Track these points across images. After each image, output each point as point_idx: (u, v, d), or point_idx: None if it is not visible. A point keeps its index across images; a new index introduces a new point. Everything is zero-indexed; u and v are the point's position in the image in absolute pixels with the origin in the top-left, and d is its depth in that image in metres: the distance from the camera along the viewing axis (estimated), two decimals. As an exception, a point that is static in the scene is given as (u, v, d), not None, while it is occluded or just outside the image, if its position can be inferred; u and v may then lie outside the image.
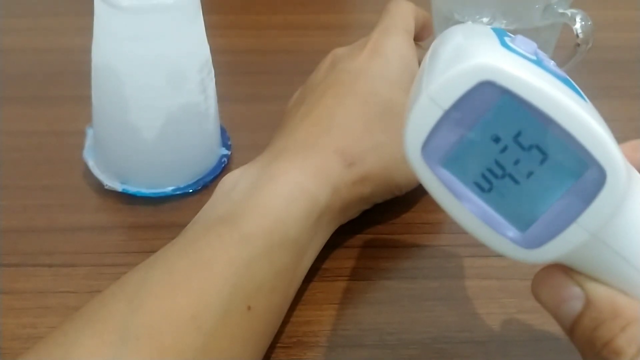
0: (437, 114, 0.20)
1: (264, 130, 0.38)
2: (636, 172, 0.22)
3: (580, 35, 0.41)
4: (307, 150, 0.33)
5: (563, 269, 0.22)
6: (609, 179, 0.20)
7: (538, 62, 0.21)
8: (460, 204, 0.21)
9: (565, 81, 0.21)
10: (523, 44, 0.21)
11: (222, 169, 0.42)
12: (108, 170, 0.40)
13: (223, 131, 0.44)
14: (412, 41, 0.39)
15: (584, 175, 0.20)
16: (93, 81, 0.39)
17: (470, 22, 0.44)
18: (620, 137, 0.48)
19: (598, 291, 0.22)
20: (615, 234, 0.21)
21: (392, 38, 0.38)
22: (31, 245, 0.37)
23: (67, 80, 0.50)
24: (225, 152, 0.43)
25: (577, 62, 0.42)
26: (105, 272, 0.35)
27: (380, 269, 0.35)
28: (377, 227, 0.37)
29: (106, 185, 0.39)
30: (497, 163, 0.21)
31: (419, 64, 0.32)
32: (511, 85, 0.19)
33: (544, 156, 0.20)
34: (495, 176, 0.21)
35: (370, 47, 0.37)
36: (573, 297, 0.22)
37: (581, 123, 0.19)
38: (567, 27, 0.42)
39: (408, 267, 0.35)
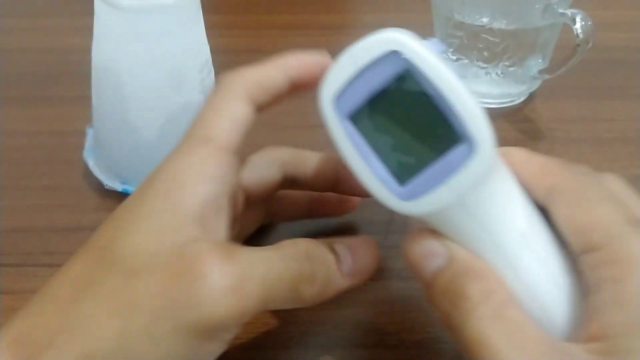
0: (351, 70, 0.24)
1: (264, 130, 0.38)
2: (499, 158, 0.26)
3: (580, 36, 0.41)
4: None
5: (432, 232, 0.25)
6: (480, 151, 0.23)
7: (443, 56, 0.26)
8: (358, 155, 0.24)
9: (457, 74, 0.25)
10: (434, 44, 0.24)
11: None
12: (108, 170, 0.40)
13: (223, 131, 0.44)
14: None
15: (459, 145, 0.23)
16: (93, 81, 0.39)
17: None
18: (620, 137, 0.48)
19: (459, 251, 0.25)
20: (477, 202, 0.24)
21: None
22: (31, 245, 0.37)
23: (67, 80, 0.50)
24: (225, 152, 0.43)
25: (577, 62, 0.42)
26: (105, 272, 0.35)
27: (380, 269, 0.35)
28: (376, 227, 0.37)
29: (106, 185, 0.39)
30: (392, 123, 0.24)
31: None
32: (416, 59, 0.23)
33: (430, 124, 0.24)
34: (389, 134, 0.24)
35: None
36: (438, 254, 0.25)
37: (465, 102, 0.23)
38: (567, 27, 0.42)
39: (408, 267, 0.35)
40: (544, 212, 0.25)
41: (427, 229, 0.26)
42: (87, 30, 0.38)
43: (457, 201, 0.24)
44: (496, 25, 0.44)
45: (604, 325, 0.22)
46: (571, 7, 0.43)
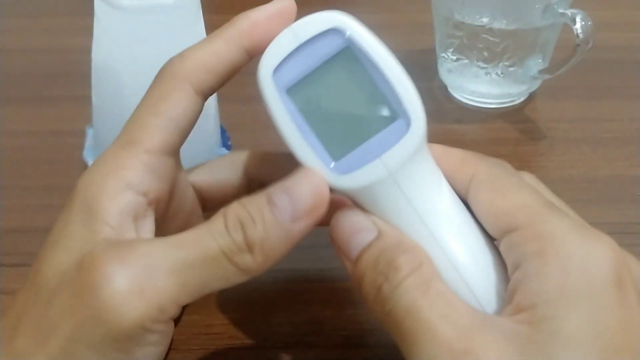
0: (293, 44, 0.25)
1: (264, 130, 0.38)
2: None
3: (580, 36, 0.41)
4: None
5: (359, 209, 0.25)
6: (412, 127, 0.24)
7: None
8: (293, 128, 0.25)
9: None
10: None
11: (222, 169, 0.42)
12: (108, 170, 0.40)
13: (223, 131, 0.44)
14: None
15: (394, 121, 0.24)
16: (93, 81, 0.39)
17: None
18: (620, 137, 0.48)
19: (387, 226, 0.25)
20: (407, 178, 0.25)
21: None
22: (31, 245, 0.37)
23: (67, 80, 0.50)
24: (225, 152, 0.43)
25: (577, 62, 0.42)
26: (105, 272, 0.35)
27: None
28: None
29: (106, 185, 0.39)
30: (329, 98, 0.25)
31: None
32: (356, 37, 0.24)
33: (367, 101, 0.25)
34: (325, 109, 0.25)
35: None
36: (367, 229, 0.25)
37: (402, 80, 0.24)
38: (567, 27, 0.42)
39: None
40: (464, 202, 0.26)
41: (353, 207, 0.25)
42: (87, 30, 0.38)
43: (389, 176, 0.24)
44: (496, 25, 0.44)
45: (528, 296, 0.22)
46: (571, 7, 0.43)
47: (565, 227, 0.23)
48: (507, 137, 0.45)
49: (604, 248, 0.23)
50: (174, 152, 0.27)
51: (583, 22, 0.41)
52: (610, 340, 0.21)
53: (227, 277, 0.24)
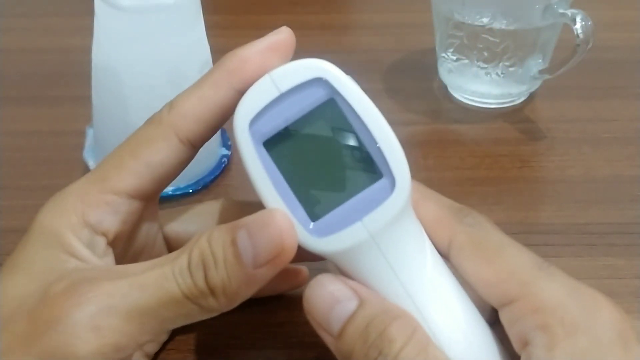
0: (273, 94, 0.23)
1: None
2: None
3: (581, 36, 0.41)
4: None
5: (334, 276, 0.24)
6: (397, 188, 0.23)
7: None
8: (269, 182, 0.23)
9: None
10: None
11: (222, 169, 0.42)
12: (108, 170, 0.40)
13: (223, 131, 0.44)
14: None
15: (378, 182, 0.23)
16: (93, 81, 0.39)
17: None
18: (621, 137, 0.48)
19: (369, 293, 0.23)
20: (389, 242, 0.23)
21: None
22: (31, 245, 0.37)
23: (67, 80, 0.50)
24: (225, 152, 0.43)
25: (577, 62, 0.42)
26: (105, 272, 0.35)
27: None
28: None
29: (106, 185, 0.39)
30: (309, 154, 0.23)
31: None
32: (342, 89, 0.23)
33: (350, 158, 0.23)
34: (304, 165, 0.23)
35: None
36: (347, 298, 0.23)
37: (388, 138, 0.23)
38: (568, 27, 0.42)
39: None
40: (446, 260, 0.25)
41: (328, 274, 0.24)
42: (87, 30, 0.38)
43: (371, 240, 0.23)
44: (496, 25, 0.44)
45: None
46: (571, 7, 0.43)
47: (561, 293, 0.23)
48: (507, 137, 0.45)
49: (603, 312, 0.23)
50: (145, 198, 0.26)
51: (583, 22, 0.41)
52: None
53: (192, 315, 0.24)
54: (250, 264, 0.23)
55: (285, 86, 0.23)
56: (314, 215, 0.23)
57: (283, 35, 0.25)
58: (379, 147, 0.23)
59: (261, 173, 0.23)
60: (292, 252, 0.23)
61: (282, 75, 0.23)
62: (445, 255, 0.25)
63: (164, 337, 0.30)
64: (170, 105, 0.26)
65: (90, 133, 0.42)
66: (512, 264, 0.24)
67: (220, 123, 0.26)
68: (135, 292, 0.23)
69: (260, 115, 0.23)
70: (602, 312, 0.22)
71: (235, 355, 0.31)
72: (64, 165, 0.42)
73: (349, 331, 0.23)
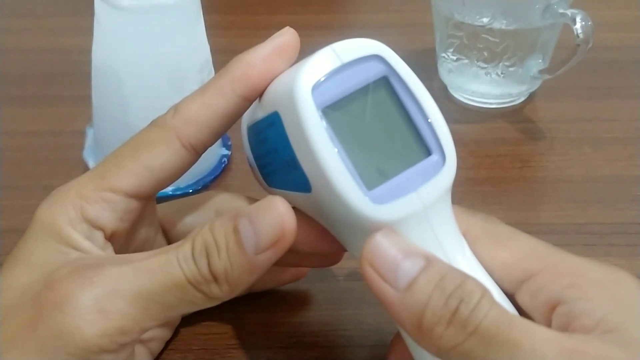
0: (335, 63, 0.24)
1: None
2: None
3: (581, 36, 0.41)
4: None
5: (394, 232, 0.23)
6: (447, 165, 0.24)
7: None
8: (331, 147, 0.23)
9: None
10: None
11: (222, 169, 0.42)
12: (108, 170, 0.40)
13: (223, 131, 0.44)
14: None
15: (430, 157, 0.24)
16: (93, 81, 0.39)
17: None
18: (621, 137, 0.48)
19: (435, 256, 0.23)
20: (438, 216, 0.24)
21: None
22: (31, 245, 0.37)
23: (67, 80, 0.50)
24: (226, 152, 0.43)
25: (577, 62, 0.42)
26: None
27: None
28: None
29: (106, 185, 0.39)
30: (366, 125, 0.24)
31: None
32: (398, 68, 0.24)
33: (404, 133, 0.24)
34: (362, 136, 0.24)
35: None
36: (417, 255, 0.22)
37: (438, 117, 0.24)
38: (568, 27, 0.42)
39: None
40: None
41: (390, 231, 0.23)
42: (87, 31, 0.38)
43: (424, 211, 0.23)
44: (496, 25, 0.44)
45: (589, 315, 0.22)
46: (571, 7, 0.43)
47: (581, 261, 0.24)
48: (507, 137, 0.45)
49: (624, 274, 0.24)
50: (144, 197, 0.26)
51: (583, 22, 0.41)
52: None
53: (195, 302, 0.24)
54: (252, 250, 0.23)
55: (347, 58, 0.24)
56: (370, 184, 0.23)
57: (287, 37, 0.25)
58: (431, 124, 0.24)
59: (323, 138, 0.23)
60: (292, 236, 0.23)
61: (344, 48, 0.24)
62: None
63: (167, 335, 0.30)
64: (175, 109, 0.26)
65: (90, 133, 0.42)
66: (527, 246, 0.25)
67: (224, 129, 0.27)
68: (140, 277, 0.24)
69: (323, 82, 0.23)
70: (623, 275, 0.24)
71: (235, 355, 0.31)
72: (64, 165, 0.42)
73: (421, 283, 0.22)
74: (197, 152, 0.27)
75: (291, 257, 0.25)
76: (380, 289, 0.22)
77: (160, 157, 0.26)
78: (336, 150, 0.23)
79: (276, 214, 0.23)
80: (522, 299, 0.24)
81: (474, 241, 0.25)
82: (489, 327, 0.21)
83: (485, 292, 0.22)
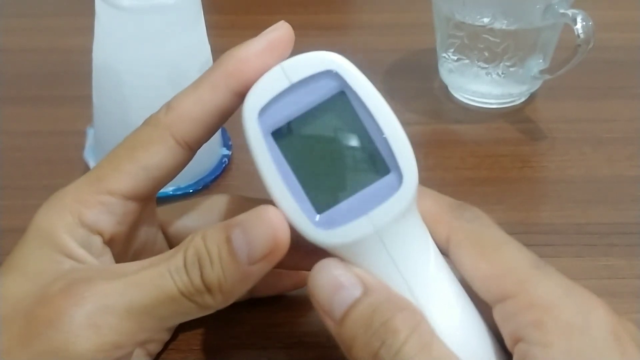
0: (283, 84, 0.23)
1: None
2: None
3: (581, 36, 0.41)
4: None
5: (339, 261, 0.23)
6: (404, 185, 0.23)
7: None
8: (276, 173, 0.23)
9: None
10: None
11: (222, 169, 0.42)
12: (108, 170, 0.40)
13: (224, 131, 0.44)
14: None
15: (386, 177, 0.23)
16: (94, 81, 0.39)
17: None
18: (621, 137, 0.48)
19: (375, 282, 0.23)
20: (393, 238, 0.23)
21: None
22: (31, 245, 0.37)
23: (67, 80, 0.50)
24: (226, 152, 0.43)
25: (577, 62, 0.42)
26: (105, 272, 0.35)
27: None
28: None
29: (106, 185, 0.39)
30: (318, 147, 0.23)
31: None
32: (353, 82, 0.23)
33: (358, 152, 0.23)
34: (313, 158, 0.23)
35: None
36: (352, 284, 0.23)
37: (397, 133, 0.23)
38: (568, 28, 0.42)
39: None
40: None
41: (334, 258, 0.24)
42: (88, 31, 0.38)
43: (376, 235, 0.23)
44: (497, 25, 0.44)
45: None
46: (572, 7, 0.43)
47: (557, 292, 0.23)
48: (507, 137, 0.45)
49: (598, 311, 0.22)
50: (142, 199, 0.26)
51: (584, 23, 0.41)
52: None
53: (189, 313, 0.24)
54: (245, 260, 0.23)
55: (296, 77, 0.23)
56: (320, 207, 0.23)
57: (281, 32, 0.25)
58: (387, 142, 0.23)
59: (268, 163, 0.23)
60: (285, 248, 0.23)
61: (294, 66, 0.23)
62: (444, 252, 0.25)
63: (166, 337, 0.30)
64: (168, 106, 0.26)
65: (90, 133, 0.42)
66: (509, 261, 0.24)
67: (218, 125, 0.26)
68: (131, 291, 0.23)
69: (270, 105, 0.23)
70: (596, 312, 0.22)
71: (235, 355, 0.31)
72: (64, 165, 0.42)
73: (351, 317, 0.22)
74: (191, 149, 0.26)
75: (291, 259, 0.25)
76: (323, 320, 0.23)
77: (156, 156, 0.25)
78: (280, 176, 0.23)
79: (268, 225, 0.23)
80: (497, 317, 0.24)
81: (458, 246, 0.25)
82: None
83: (415, 329, 0.22)
